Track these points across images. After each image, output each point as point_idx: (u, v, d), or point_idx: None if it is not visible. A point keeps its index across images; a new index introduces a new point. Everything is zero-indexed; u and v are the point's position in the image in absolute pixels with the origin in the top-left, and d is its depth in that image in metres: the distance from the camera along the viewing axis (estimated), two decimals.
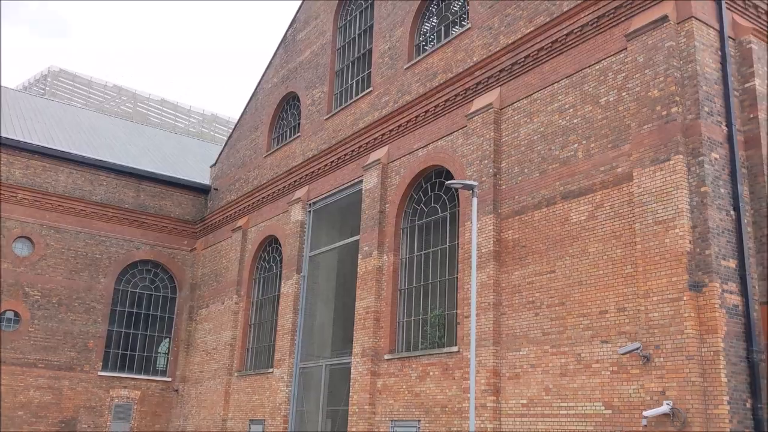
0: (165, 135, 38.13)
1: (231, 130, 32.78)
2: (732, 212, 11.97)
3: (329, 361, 21.06)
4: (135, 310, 28.32)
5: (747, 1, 13.33)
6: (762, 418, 10.96)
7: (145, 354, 28.32)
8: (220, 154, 30.87)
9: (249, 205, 26.77)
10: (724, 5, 12.90)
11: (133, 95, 41.85)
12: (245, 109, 29.27)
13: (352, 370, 18.68)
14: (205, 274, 29.03)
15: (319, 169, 22.78)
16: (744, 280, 11.59)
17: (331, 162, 22.17)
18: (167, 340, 29.27)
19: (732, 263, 11.63)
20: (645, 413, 11.26)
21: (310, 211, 23.15)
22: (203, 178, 31.28)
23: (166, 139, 36.95)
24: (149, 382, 27.83)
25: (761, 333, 11.60)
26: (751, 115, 12.65)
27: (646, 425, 11.42)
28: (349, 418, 18.29)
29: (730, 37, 12.97)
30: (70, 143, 28.80)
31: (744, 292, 11.55)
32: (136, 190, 28.84)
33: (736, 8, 13.24)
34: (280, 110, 26.92)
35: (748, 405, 11.02)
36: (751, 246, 12.02)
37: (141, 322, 28.40)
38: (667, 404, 11.03)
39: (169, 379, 28.28)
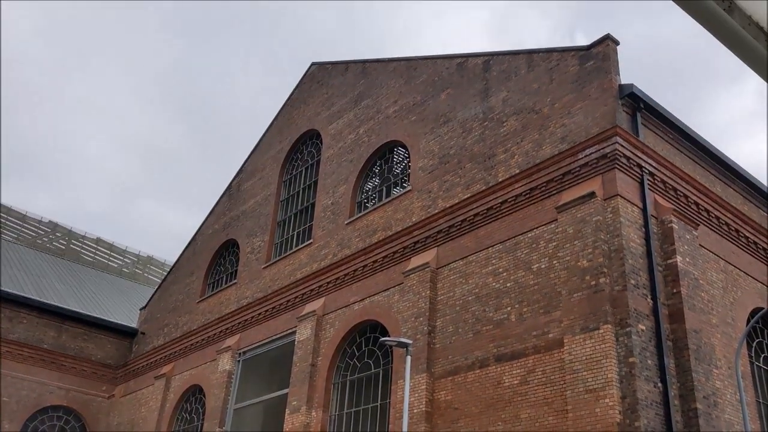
0: (96, 274, 37.15)
1: (166, 273, 32.19)
2: (659, 384, 12.15)
3: None
4: None
5: (667, 184, 14.39)
6: None
7: None
8: (151, 297, 30.08)
9: (176, 352, 25.76)
10: (646, 186, 13.88)
11: (69, 232, 41.10)
12: (183, 253, 29.01)
13: None
14: (121, 423, 27.22)
15: (252, 317, 22.36)
16: None
17: (266, 311, 21.84)
18: None
19: None
20: None
21: (239, 361, 22.41)
22: (131, 320, 30.21)
23: (96, 278, 35.96)
24: None
25: None
26: (674, 290, 13.23)
27: None
28: None
29: (652, 216, 13.84)
30: None
31: None
32: (57, 330, 27.53)
33: (657, 189, 14.25)
34: (218, 256, 26.77)
35: None
36: (678, 420, 12.10)
37: None
38: None
39: None
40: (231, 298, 24.08)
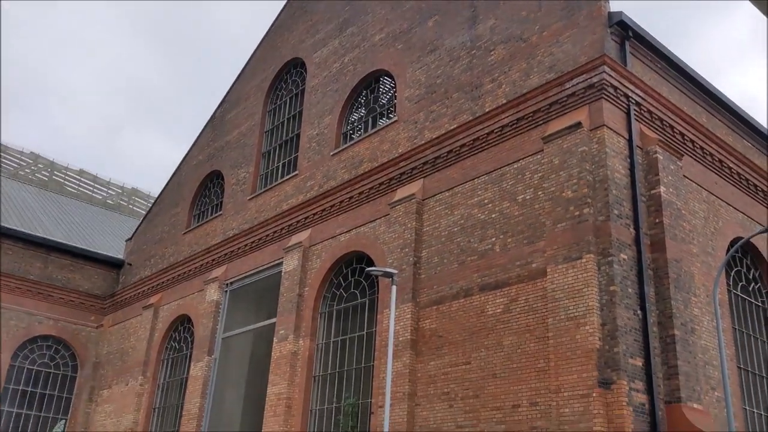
0: (80, 206, 36.94)
1: (151, 205, 32.09)
2: (639, 312, 12.43)
3: None
4: (30, 389, 26.47)
5: (653, 114, 14.35)
6: None
7: None
8: (137, 229, 30.06)
9: (163, 283, 25.94)
10: (633, 116, 13.84)
11: (51, 163, 40.62)
12: (167, 184, 28.84)
13: None
14: (111, 352, 27.63)
15: (239, 248, 22.46)
16: (650, 378, 11.93)
17: (252, 242, 21.93)
18: (62, 422, 27.34)
19: (639, 362, 11.97)
20: None
21: (226, 291, 22.63)
22: (117, 252, 30.25)
23: (81, 210, 35.77)
24: None
25: None
26: (657, 220, 13.38)
27: None
28: None
29: (638, 146, 13.86)
30: None
31: (650, 390, 11.87)
32: (44, 261, 27.55)
33: (643, 120, 14.22)
34: (203, 188, 26.65)
35: None
36: (656, 345, 12.45)
37: (36, 402, 26.51)
38: None
39: None
40: (217, 230, 24.12)
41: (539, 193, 13.91)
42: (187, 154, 28.27)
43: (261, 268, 21.38)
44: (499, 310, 13.82)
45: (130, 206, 43.58)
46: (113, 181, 43.10)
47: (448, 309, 14.88)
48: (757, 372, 15.09)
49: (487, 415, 13.21)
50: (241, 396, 21.68)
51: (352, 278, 18.32)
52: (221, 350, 21.97)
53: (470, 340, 14.13)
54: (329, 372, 17.80)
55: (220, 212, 24.38)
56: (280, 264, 20.39)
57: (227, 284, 22.62)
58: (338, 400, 17.26)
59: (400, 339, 15.30)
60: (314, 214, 19.75)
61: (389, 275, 13.71)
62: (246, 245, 22.16)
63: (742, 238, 14.81)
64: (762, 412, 14.74)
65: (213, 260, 23.52)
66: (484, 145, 15.46)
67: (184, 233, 26.06)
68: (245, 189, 23.59)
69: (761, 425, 14.60)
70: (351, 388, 17.11)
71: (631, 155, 13.62)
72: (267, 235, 21.37)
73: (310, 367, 18.03)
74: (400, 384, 14.87)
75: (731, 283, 15.42)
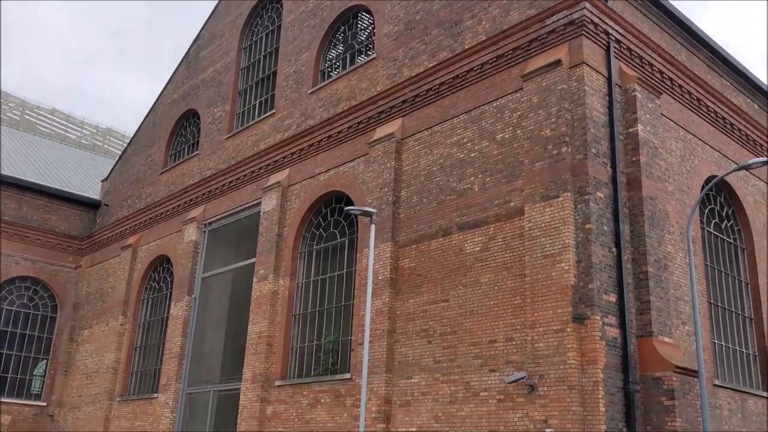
0: (54, 146, 36.27)
1: (126, 145, 31.60)
2: (614, 249, 12.63)
3: (218, 386, 20.45)
4: (10, 330, 26.52)
5: (633, 52, 14.26)
6: None
7: (18, 376, 26.51)
8: (112, 169, 29.69)
9: (141, 223, 25.80)
10: (612, 54, 13.74)
11: (22, 102, 39.66)
12: (142, 123, 28.36)
13: (241, 397, 18.21)
14: (90, 293, 27.65)
15: (216, 188, 22.31)
16: (623, 314, 12.22)
17: (230, 182, 21.78)
18: (44, 362, 27.54)
19: (612, 297, 12.24)
20: None
21: (205, 232, 22.59)
22: (93, 192, 29.91)
23: (54, 150, 35.14)
24: (22, 406, 26.01)
25: (637, 365, 12.23)
26: (634, 159, 13.47)
27: None
28: None
29: (617, 84, 13.81)
30: None
31: (622, 325, 12.17)
32: (18, 202, 27.20)
33: (622, 57, 14.13)
34: (178, 127, 26.26)
35: None
36: (630, 282, 12.70)
37: (16, 343, 26.60)
38: None
39: (44, 404, 26.55)
40: (194, 170, 23.89)
41: (518, 131, 13.89)
42: (161, 93, 27.72)
43: (239, 208, 21.31)
44: (477, 249, 13.97)
45: (105, 146, 42.94)
46: (87, 121, 42.30)
47: (427, 248, 15.00)
48: (727, 307, 15.51)
49: (465, 351, 13.51)
50: (222, 334, 21.91)
51: (332, 218, 18.34)
52: (201, 290, 22.07)
53: (448, 278, 14.32)
54: (309, 310, 18.00)
55: (197, 152, 24.11)
56: (259, 204, 20.33)
57: (206, 224, 22.56)
58: (319, 337, 17.52)
59: (380, 278, 15.45)
60: (292, 154, 19.59)
61: (368, 214, 13.73)
62: (224, 185, 22.02)
63: (716, 176, 14.97)
64: (731, 346, 15.22)
65: (191, 200, 23.38)
66: (463, 83, 15.32)
67: (161, 173, 25.79)
68: (222, 128, 23.29)
69: (729, 358, 15.10)
70: (331, 326, 17.35)
71: (609, 93, 13.59)
72: (245, 175, 21.22)
73: (290, 306, 18.21)
74: (379, 321, 15.09)
75: (705, 221, 15.68)
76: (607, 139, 13.27)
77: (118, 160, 29.58)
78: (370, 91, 17.70)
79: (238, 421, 18.01)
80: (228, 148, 22.56)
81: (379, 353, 14.89)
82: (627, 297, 12.38)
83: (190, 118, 25.81)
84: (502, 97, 14.45)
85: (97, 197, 29.39)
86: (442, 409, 13.54)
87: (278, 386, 17.44)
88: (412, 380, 14.30)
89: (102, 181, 30.01)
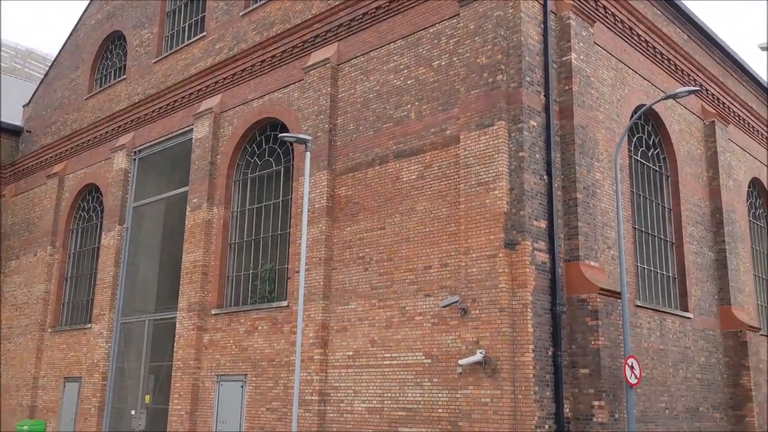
0: None
1: (48, 68, 30.01)
2: (545, 177, 12.92)
3: (153, 316, 20.34)
4: None
5: None
6: (560, 364, 12.11)
7: None
8: (34, 93, 28.25)
9: (67, 150, 24.84)
10: None
11: None
12: (64, 45, 26.91)
13: (177, 325, 18.19)
14: (16, 223, 26.71)
15: (146, 115, 21.58)
16: (552, 239, 12.62)
17: (160, 108, 21.08)
18: None
19: (543, 223, 12.60)
20: (460, 362, 12.04)
21: (135, 159, 21.94)
22: (14, 118, 28.47)
23: None
24: None
25: (564, 288, 12.75)
26: (566, 87, 13.64)
27: (461, 372, 12.21)
28: (173, 374, 17.87)
29: (552, 12, 13.81)
30: None
31: (551, 250, 12.59)
32: None
33: None
34: (103, 50, 25.04)
35: (550, 353, 12.12)
36: (559, 208, 13.08)
37: None
38: (480, 353, 11.85)
39: None
40: (121, 95, 22.97)
41: (454, 59, 13.82)
42: (84, 13, 26.25)
43: (170, 135, 20.72)
44: (413, 177, 14.06)
45: (26, 69, 40.73)
46: (6, 43, 39.88)
47: (363, 176, 15.01)
48: (650, 232, 16.19)
49: (401, 277, 13.76)
50: (156, 264, 21.64)
51: (267, 146, 18.06)
52: (133, 219, 21.61)
53: (385, 206, 14.42)
54: (245, 239, 17.91)
55: (124, 76, 23.13)
56: (191, 131, 19.81)
57: (135, 152, 21.90)
58: (255, 266, 17.51)
59: (316, 206, 15.43)
60: (224, 79, 19.03)
61: (303, 141, 13.57)
62: (153, 111, 21.30)
63: (645, 105, 15.33)
64: (652, 269, 15.98)
65: (119, 127, 22.57)
66: (400, 7, 15.03)
67: (87, 98, 24.71)
68: (150, 51, 22.33)
69: (651, 280, 15.87)
70: (268, 255, 17.34)
71: (545, 21, 13.60)
72: (175, 101, 20.55)
73: (225, 235, 18.07)
74: (316, 249, 15.16)
75: (632, 149, 16.14)
76: (542, 68, 13.37)
77: (40, 84, 28.15)
78: (304, 14, 17.20)
79: (175, 349, 18.04)
80: (157, 72, 21.72)
81: (316, 281, 15.02)
82: (556, 223, 12.77)
83: (116, 40, 24.62)
84: (439, 23, 14.28)
85: (19, 123, 28.03)
86: (378, 334, 13.87)
87: (215, 314, 17.48)
88: (349, 306, 14.54)
89: (23, 107, 28.57)
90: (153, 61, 21.98)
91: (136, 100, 21.96)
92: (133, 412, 19.68)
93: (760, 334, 18.53)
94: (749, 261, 19.80)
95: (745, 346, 16.90)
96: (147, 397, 19.59)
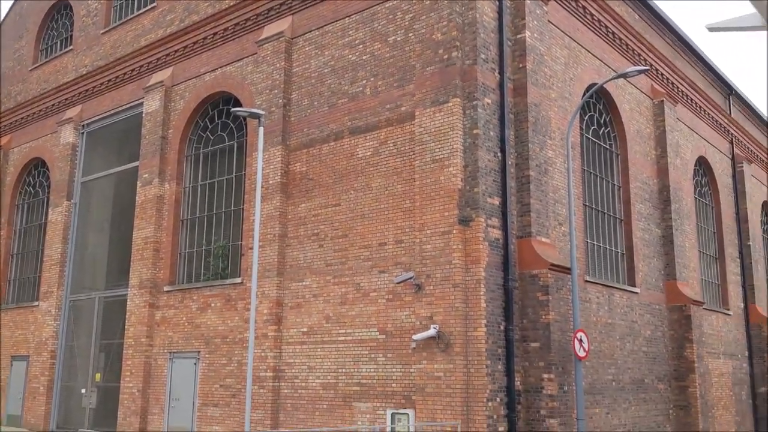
0: None
1: None
2: (499, 154, 13.04)
3: (103, 293, 19.98)
4: None
5: None
6: (512, 338, 12.34)
7: None
8: None
9: (11, 123, 24.03)
10: None
11: None
12: (7, 14, 25.91)
13: (128, 302, 17.91)
14: None
15: (94, 87, 20.98)
16: (505, 216, 12.78)
17: (109, 81, 20.51)
18: None
19: (496, 200, 12.74)
20: (414, 337, 12.16)
21: (83, 133, 21.36)
22: None
23: None
24: None
25: (516, 264, 12.94)
26: (520, 65, 13.73)
27: (415, 347, 12.34)
28: (125, 352, 17.63)
29: None
30: None
31: (504, 226, 12.75)
32: None
33: None
34: (49, 19, 24.19)
35: (502, 327, 12.33)
36: (513, 185, 13.23)
37: None
38: (434, 328, 11.99)
39: None
40: (68, 66, 22.26)
41: (410, 35, 13.77)
42: None
43: (120, 109, 20.21)
44: (368, 153, 14.02)
45: None
46: None
47: (318, 152, 14.91)
48: (600, 209, 16.53)
49: (355, 253, 13.78)
50: (106, 240, 21.20)
51: (219, 120, 17.77)
52: (81, 195, 21.10)
53: (340, 183, 14.37)
54: (198, 215, 17.67)
55: (71, 47, 22.41)
56: (141, 105, 19.35)
57: (83, 125, 21.30)
58: (208, 242, 17.31)
59: (270, 182, 15.29)
60: (176, 52, 18.59)
61: (256, 116, 13.38)
62: (102, 84, 20.72)
63: (597, 83, 15.55)
64: (602, 245, 16.33)
65: (66, 99, 21.91)
66: None
67: (32, 69, 23.88)
68: (98, 21, 21.65)
69: (600, 256, 16.23)
70: (221, 231, 17.15)
71: None
72: (125, 73, 20.02)
73: (177, 211, 17.79)
74: (270, 226, 15.06)
75: (584, 127, 16.39)
76: (496, 45, 13.41)
77: None
78: None
79: (126, 327, 17.78)
80: (105, 43, 21.10)
81: (270, 257, 14.93)
82: (510, 200, 12.92)
83: (62, 9, 23.79)
84: None
85: None
86: (333, 310, 13.90)
87: (167, 291, 17.25)
88: (304, 283, 14.51)
89: None
90: (101, 31, 21.34)
91: (84, 72, 21.32)
92: (83, 390, 19.39)
93: (704, 308, 19.19)
94: (694, 237, 20.40)
95: (689, 319, 17.47)
96: (98, 375, 19.31)
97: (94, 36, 21.58)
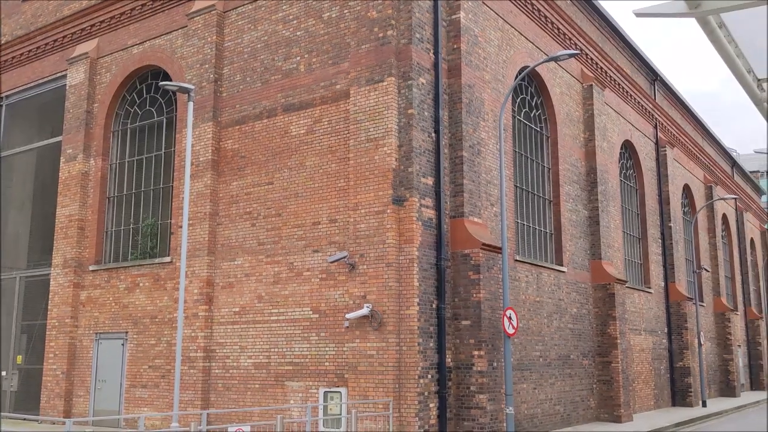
0: None
1: None
2: (433, 134, 13.11)
3: (24, 272, 19.22)
4: None
5: None
6: (444, 316, 12.51)
7: None
8: None
9: None
10: None
11: None
12: None
13: (51, 282, 17.28)
14: None
15: (13, 58, 19.98)
16: (438, 196, 12.89)
17: (29, 51, 19.58)
18: None
19: (430, 180, 12.82)
20: (347, 316, 12.18)
21: (2, 106, 20.36)
22: None
23: None
24: None
25: (449, 243, 13.10)
26: (455, 46, 13.79)
27: (348, 326, 12.37)
28: (48, 333, 17.04)
29: None
30: None
31: (438, 206, 12.86)
32: None
33: None
34: None
35: (434, 306, 12.48)
36: (446, 166, 13.34)
37: None
38: (367, 307, 12.04)
39: None
40: None
41: (345, 11, 13.62)
42: None
43: (42, 81, 19.34)
44: (302, 131, 13.87)
45: None
46: None
47: (251, 129, 14.66)
48: (530, 190, 16.87)
49: (289, 232, 13.66)
50: (28, 218, 20.36)
51: (148, 95, 17.23)
52: (2, 170, 20.15)
53: (273, 161, 14.18)
54: (125, 193, 17.15)
55: None
56: (65, 77, 18.56)
57: (3, 98, 20.30)
58: (136, 221, 16.84)
59: (201, 159, 14.96)
60: (101, 23, 17.88)
61: (186, 91, 12.98)
62: (22, 54, 19.76)
63: (529, 66, 15.78)
64: (532, 225, 16.69)
65: None
66: None
67: None
68: None
69: (530, 236, 16.60)
70: (149, 209, 16.70)
71: None
72: (47, 44, 19.14)
73: (103, 188, 17.23)
74: (201, 204, 14.75)
75: (516, 110, 16.64)
76: (431, 25, 13.43)
77: None
78: None
79: (49, 307, 17.17)
80: (26, 12, 20.08)
81: (200, 236, 14.65)
82: (443, 180, 13.03)
83: None
84: None
85: None
86: (266, 289, 13.77)
87: (93, 271, 16.73)
88: (236, 262, 14.31)
89: None
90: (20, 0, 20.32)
91: (2, 42, 20.27)
92: (3, 373, 18.67)
93: (627, 287, 19.92)
94: (619, 218, 21.10)
95: (613, 297, 18.12)
96: (19, 357, 18.63)
97: (14, 4, 20.52)
